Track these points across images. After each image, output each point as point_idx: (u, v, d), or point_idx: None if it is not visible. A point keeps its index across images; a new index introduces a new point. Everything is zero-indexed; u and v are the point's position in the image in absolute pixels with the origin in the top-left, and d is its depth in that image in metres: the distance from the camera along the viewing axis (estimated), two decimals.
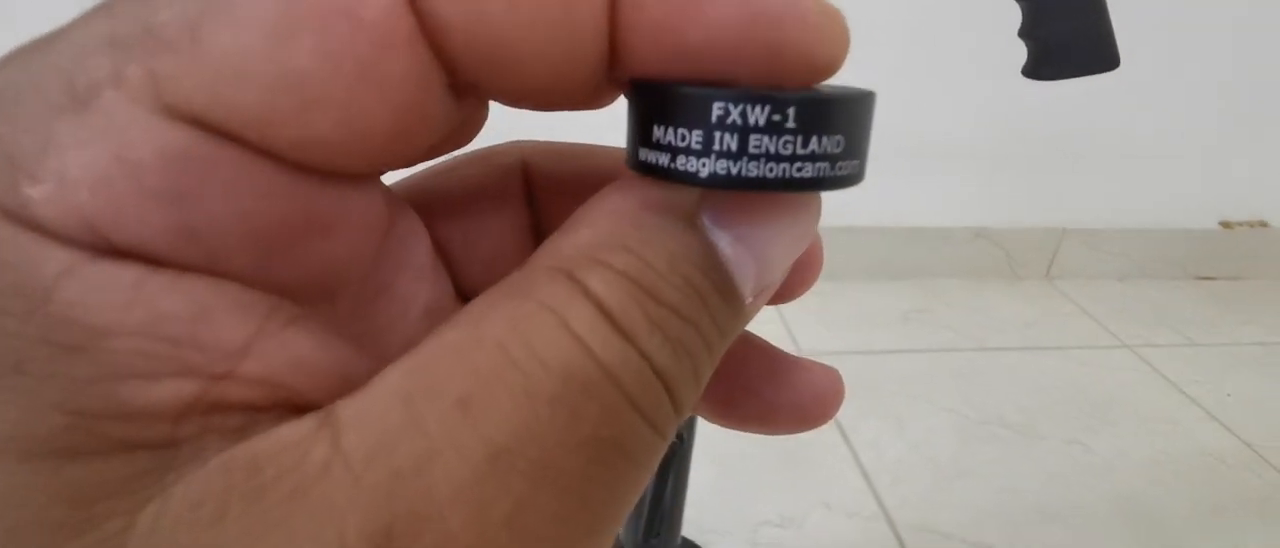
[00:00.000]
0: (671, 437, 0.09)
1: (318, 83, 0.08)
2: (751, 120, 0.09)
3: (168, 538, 0.07)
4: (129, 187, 0.07)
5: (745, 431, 0.13)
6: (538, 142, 0.14)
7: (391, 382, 0.08)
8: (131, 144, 0.07)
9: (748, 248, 0.09)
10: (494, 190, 0.13)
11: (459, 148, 0.12)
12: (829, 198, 0.11)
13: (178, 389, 0.07)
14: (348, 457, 0.07)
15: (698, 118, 0.09)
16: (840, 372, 0.14)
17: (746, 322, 0.10)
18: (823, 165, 0.09)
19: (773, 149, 0.09)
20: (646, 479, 0.09)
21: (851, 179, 0.10)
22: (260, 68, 0.07)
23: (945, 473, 0.83)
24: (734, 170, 0.09)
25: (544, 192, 0.14)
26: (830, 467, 0.82)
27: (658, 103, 0.09)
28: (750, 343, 0.13)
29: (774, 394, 0.13)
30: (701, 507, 0.73)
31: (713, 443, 0.69)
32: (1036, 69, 0.36)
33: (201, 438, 0.08)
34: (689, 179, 0.09)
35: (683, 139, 0.09)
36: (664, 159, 0.09)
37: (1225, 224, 1.28)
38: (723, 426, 0.13)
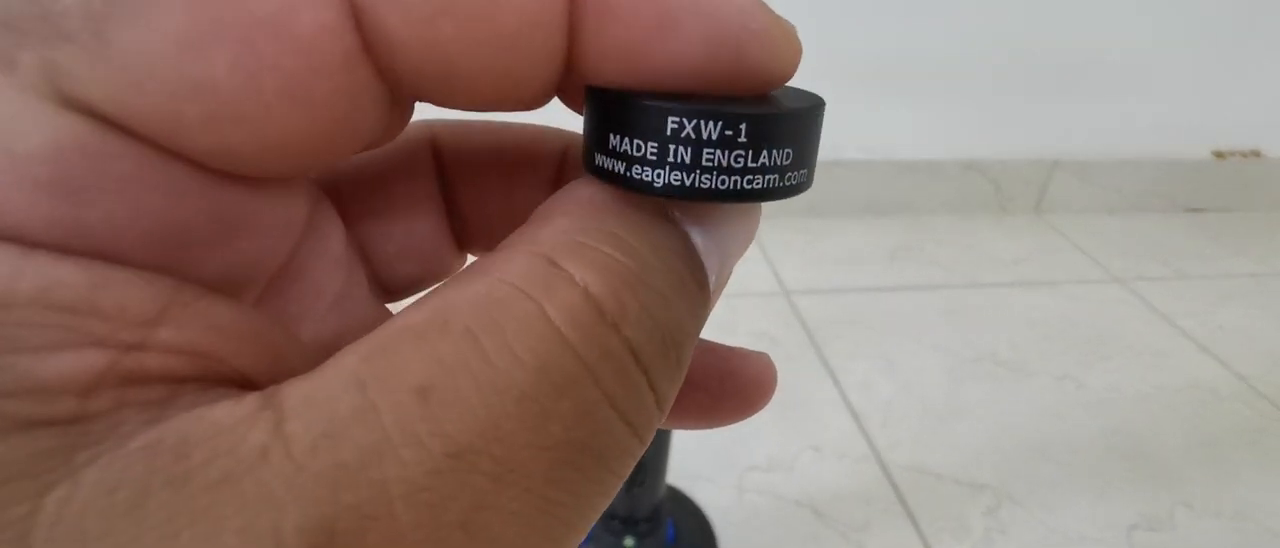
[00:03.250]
0: (648, 441, 0.09)
1: (231, 97, 0.07)
2: (705, 135, 0.09)
3: (76, 526, 0.06)
4: (14, 178, 0.07)
5: (687, 427, 0.13)
6: (446, 120, 0.13)
7: (346, 365, 0.07)
8: (20, 134, 0.07)
9: (712, 243, 0.09)
10: (404, 171, 0.13)
11: (381, 145, 0.11)
12: None
13: (83, 361, 0.07)
14: (289, 443, 0.07)
15: (653, 130, 0.09)
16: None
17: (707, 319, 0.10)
18: (772, 177, 0.09)
19: (725, 162, 0.09)
20: (617, 485, 0.08)
21: (799, 188, 0.10)
22: (167, 74, 0.07)
23: (936, 412, 0.81)
24: (687, 182, 0.09)
25: (455, 170, 0.13)
26: (819, 409, 0.80)
27: (615, 112, 0.09)
28: None
29: (718, 385, 0.13)
30: (687, 453, 0.71)
31: None
32: None
33: (117, 414, 0.07)
34: (643, 188, 0.09)
35: (638, 149, 0.09)
36: (619, 166, 0.09)
37: (1218, 154, 1.25)
38: (666, 425, 0.13)
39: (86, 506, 0.06)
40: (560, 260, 0.08)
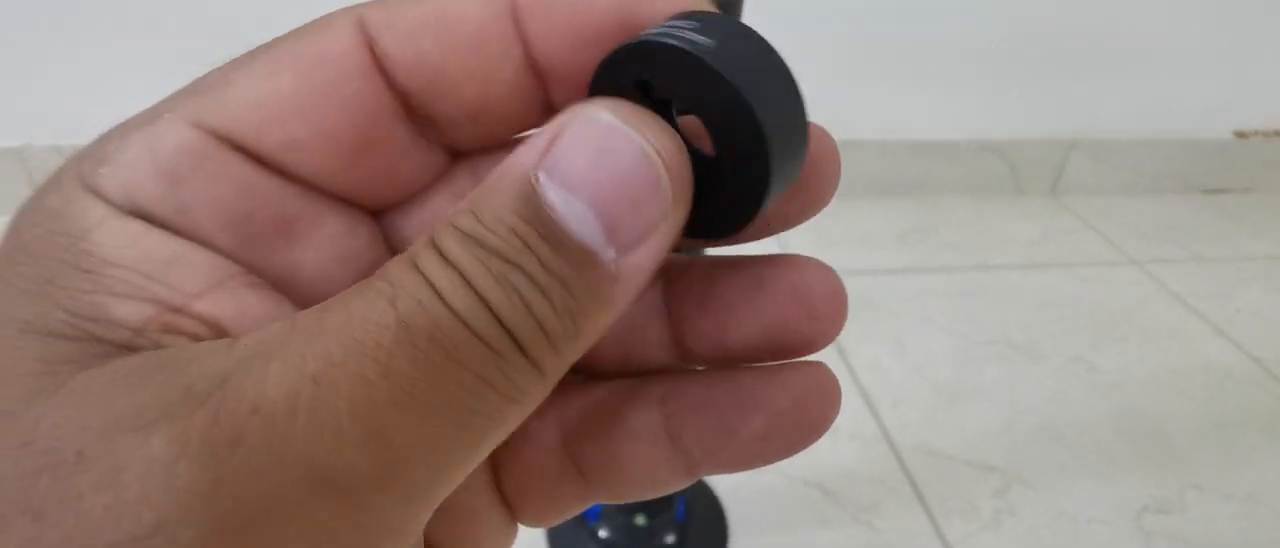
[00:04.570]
0: (531, 373, 0.10)
1: (292, 99, 0.11)
2: None
3: (90, 383, 0.09)
4: (150, 169, 0.11)
5: (752, 466, 0.13)
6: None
7: (301, 314, 0.10)
8: (161, 141, 0.11)
9: (585, 200, 0.10)
10: None
11: (419, 182, 0.14)
12: (825, 110, 0.10)
13: (139, 309, 0.10)
14: (232, 349, 0.10)
15: None
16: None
17: (624, 279, 0.10)
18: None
19: None
20: (501, 402, 0.10)
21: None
22: (257, 93, 0.11)
23: (947, 394, 0.81)
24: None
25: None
26: None
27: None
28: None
29: (766, 414, 0.13)
30: None
31: None
32: None
33: (155, 347, 0.10)
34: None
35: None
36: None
37: (1240, 134, 1.24)
38: (724, 472, 0.13)
39: (94, 377, 0.10)
40: (435, 236, 0.10)
